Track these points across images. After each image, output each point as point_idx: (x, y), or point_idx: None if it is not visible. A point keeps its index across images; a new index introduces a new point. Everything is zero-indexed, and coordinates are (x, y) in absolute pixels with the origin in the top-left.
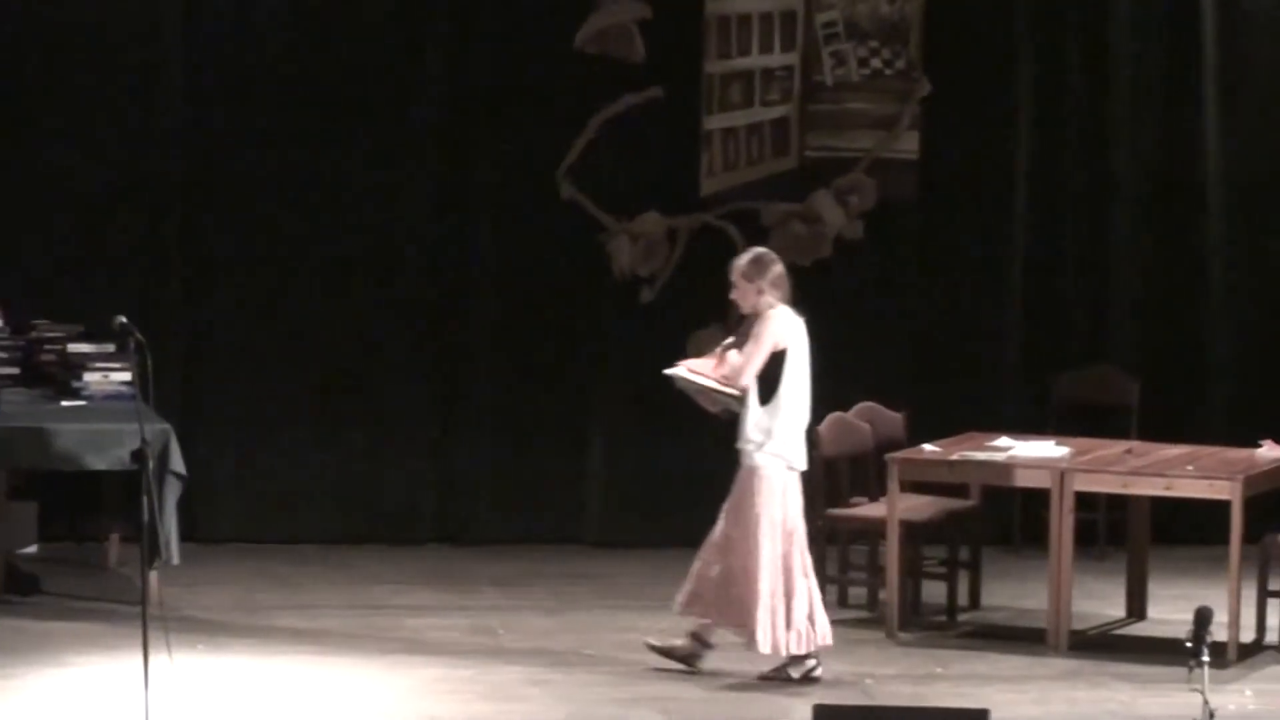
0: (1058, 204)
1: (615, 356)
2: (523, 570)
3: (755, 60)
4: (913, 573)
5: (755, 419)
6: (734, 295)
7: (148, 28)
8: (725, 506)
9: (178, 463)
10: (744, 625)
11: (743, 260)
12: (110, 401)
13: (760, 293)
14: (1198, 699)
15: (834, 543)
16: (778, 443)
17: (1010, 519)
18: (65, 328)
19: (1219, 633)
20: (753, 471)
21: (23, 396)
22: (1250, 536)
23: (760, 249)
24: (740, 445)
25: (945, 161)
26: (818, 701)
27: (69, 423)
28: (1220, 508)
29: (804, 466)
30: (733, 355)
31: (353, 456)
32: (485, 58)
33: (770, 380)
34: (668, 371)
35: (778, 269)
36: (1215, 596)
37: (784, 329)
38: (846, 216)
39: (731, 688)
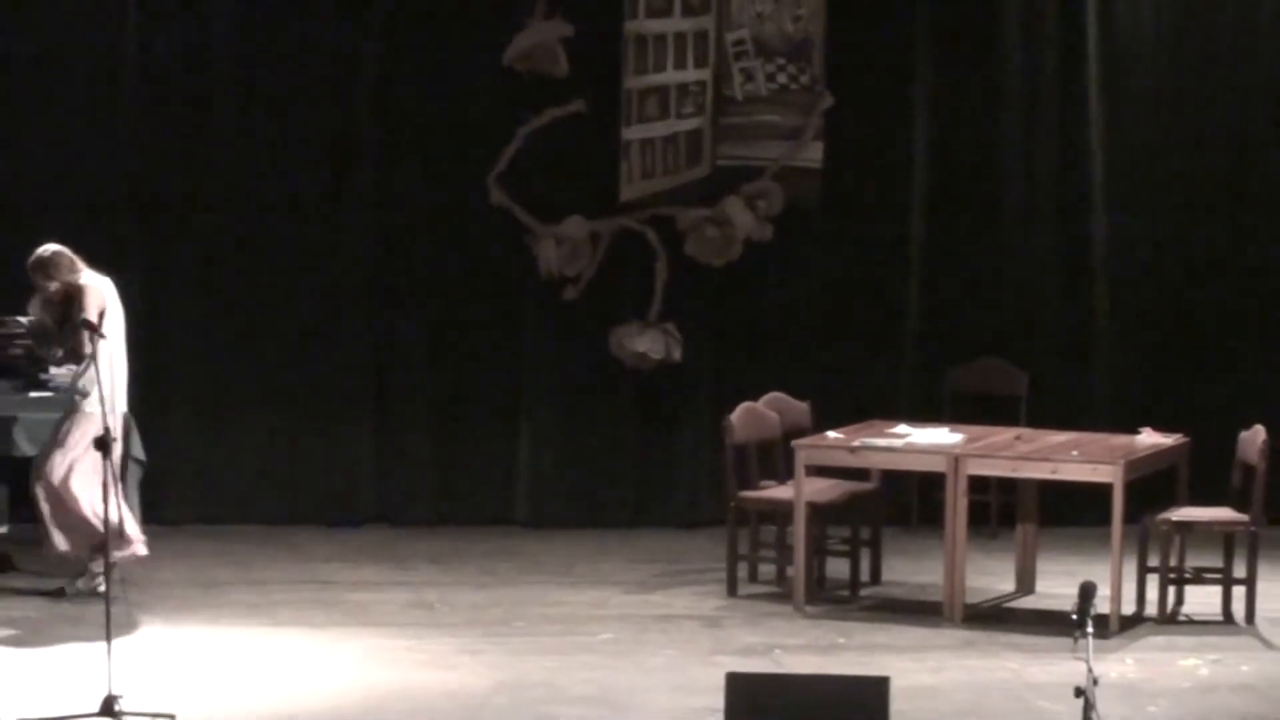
0: (952, 209)
1: (542, 350)
2: (456, 548)
3: (671, 76)
4: (818, 551)
5: (87, 373)
6: (49, 295)
7: (106, 46)
8: (53, 448)
9: (138, 449)
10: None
11: (35, 267)
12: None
13: (64, 280)
14: (1082, 667)
15: (744, 523)
16: (102, 390)
17: (908, 501)
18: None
19: (1102, 606)
20: (85, 417)
21: None
22: (1131, 517)
23: (40, 250)
24: (74, 395)
25: (847, 169)
26: (730, 670)
27: (37, 412)
28: (1103, 490)
29: (124, 408)
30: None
31: (300, 444)
32: (420, 73)
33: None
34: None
35: (64, 255)
36: (1098, 572)
37: (101, 293)
38: (755, 220)
39: (649, 660)
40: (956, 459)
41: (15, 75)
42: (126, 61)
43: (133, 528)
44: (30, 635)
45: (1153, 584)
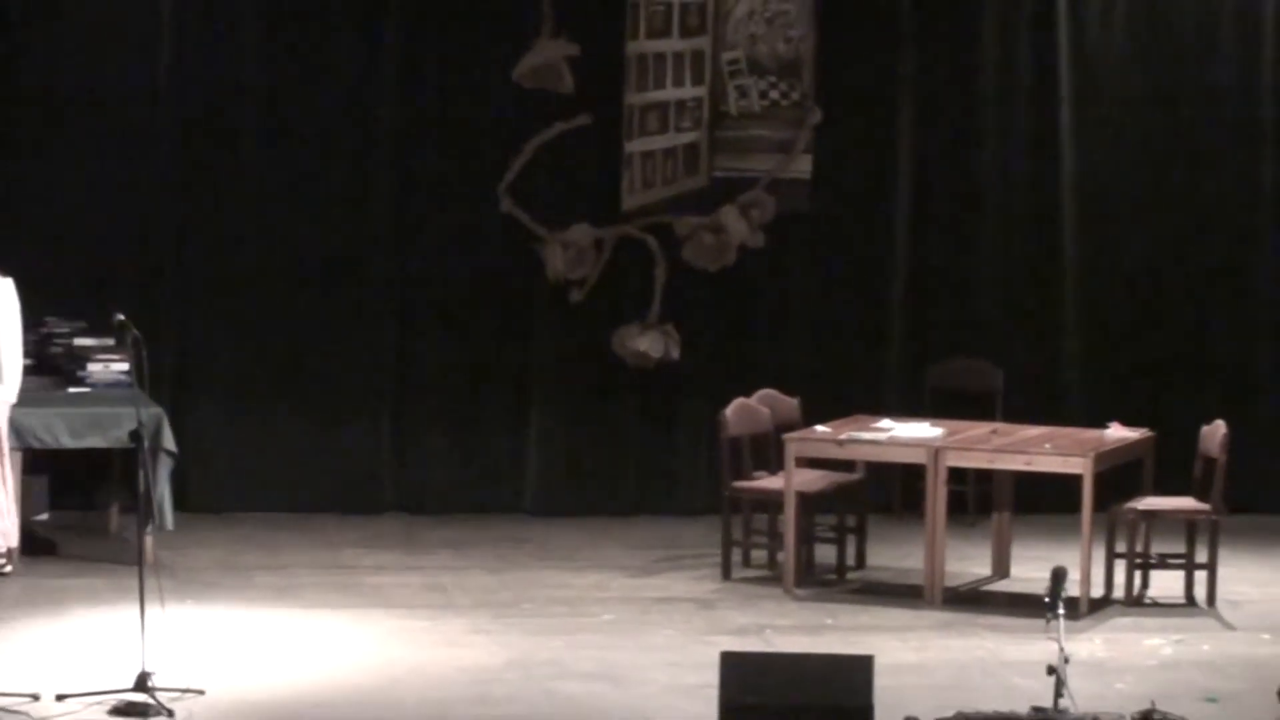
0: (931, 217)
1: (549, 349)
2: (470, 535)
3: (670, 93)
4: (807, 537)
5: None
6: None
7: (143, 78)
8: None
9: (169, 441)
10: None
11: None
12: (110, 389)
13: None
14: (1054, 646)
15: (738, 512)
16: None
17: (891, 490)
18: (71, 324)
19: (1072, 589)
20: None
21: (35, 384)
22: (1100, 506)
23: None
24: None
25: (834, 180)
26: (724, 649)
27: (75, 407)
28: (1073, 481)
29: (14, 399)
30: None
31: (323, 436)
32: (436, 90)
33: None
34: None
35: None
36: (1069, 558)
37: None
38: (749, 228)
39: (649, 639)
40: (936, 451)
41: (61, 106)
42: (161, 91)
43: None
44: (67, 615)
45: (1120, 569)
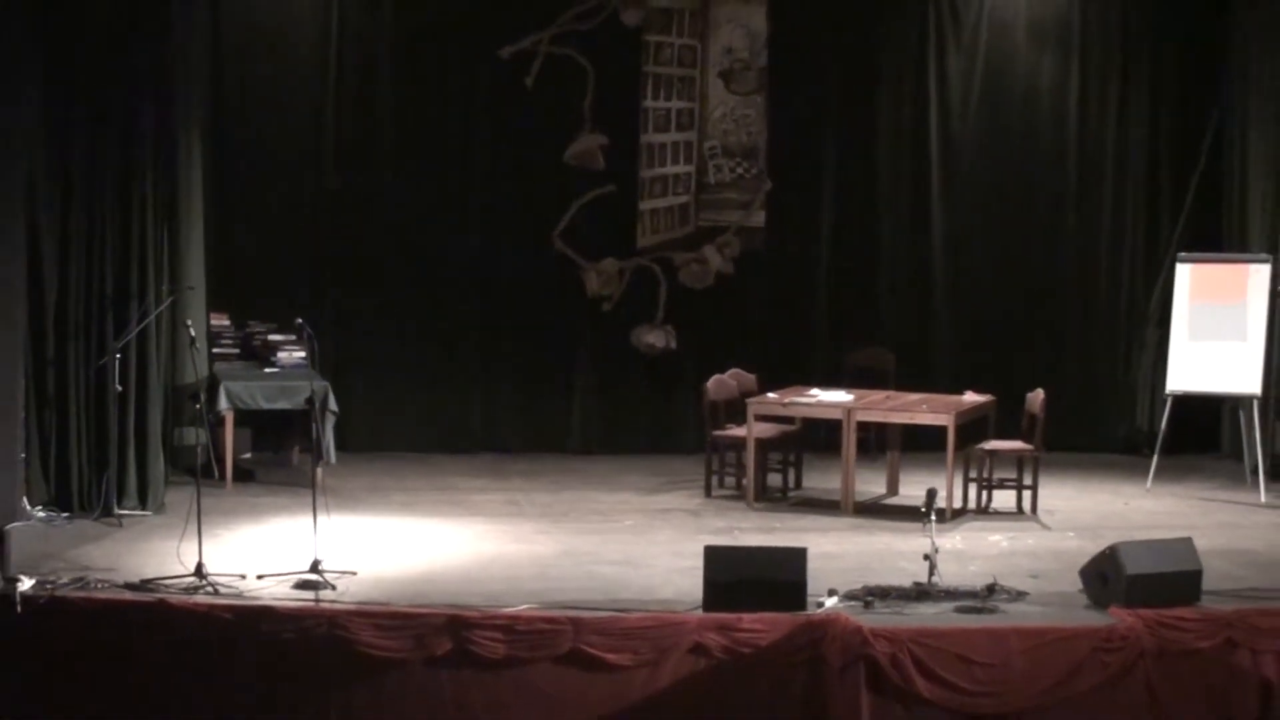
0: (845, 253)
1: (588, 343)
2: (535, 466)
3: (669, 169)
4: (762, 468)
5: None
6: None
7: (311, 153)
8: None
9: (333, 404)
10: None
11: None
12: (293, 369)
13: None
14: (929, 541)
15: (716, 451)
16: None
17: (819, 436)
18: (266, 325)
19: (941, 503)
20: None
21: (241, 365)
22: (959, 446)
23: None
24: None
25: (781, 228)
26: (707, 544)
27: (269, 381)
28: (942, 430)
29: None
30: None
31: (435, 400)
32: (512, 164)
33: None
34: None
35: None
36: (939, 481)
37: None
38: (723, 260)
39: (656, 537)
40: (849, 410)
41: (257, 178)
42: (323, 165)
43: None
44: (263, 521)
45: (973, 489)
